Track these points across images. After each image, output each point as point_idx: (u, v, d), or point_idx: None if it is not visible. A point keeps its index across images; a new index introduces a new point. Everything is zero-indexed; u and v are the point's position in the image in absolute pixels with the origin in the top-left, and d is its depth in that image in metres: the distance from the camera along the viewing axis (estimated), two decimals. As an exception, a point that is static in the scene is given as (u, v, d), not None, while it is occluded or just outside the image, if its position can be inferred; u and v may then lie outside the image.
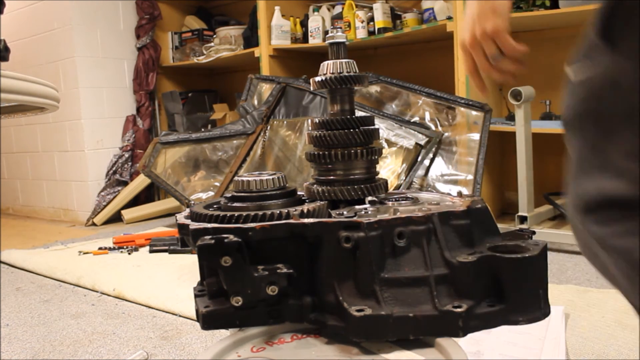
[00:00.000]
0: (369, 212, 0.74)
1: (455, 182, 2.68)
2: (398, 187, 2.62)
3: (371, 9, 3.20)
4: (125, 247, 2.87)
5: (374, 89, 3.04)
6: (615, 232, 0.68)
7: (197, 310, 0.72)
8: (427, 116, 2.87)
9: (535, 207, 2.60)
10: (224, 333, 0.74)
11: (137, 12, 4.09)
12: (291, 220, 0.68)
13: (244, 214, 0.70)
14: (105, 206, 3.84)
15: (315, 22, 3.46)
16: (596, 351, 1.41)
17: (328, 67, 0.82)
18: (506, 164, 3.02)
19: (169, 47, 4.25)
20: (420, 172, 2.70)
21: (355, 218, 0.68)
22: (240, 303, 0.66)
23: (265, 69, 3.51)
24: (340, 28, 0.86)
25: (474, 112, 2.71)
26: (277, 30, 3.48)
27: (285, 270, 0.67)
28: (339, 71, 0.81)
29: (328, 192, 0.80)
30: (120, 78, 4.06)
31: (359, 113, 0.83)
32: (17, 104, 1.08)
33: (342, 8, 3.33)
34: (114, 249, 2.87)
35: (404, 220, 0.67)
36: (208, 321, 0.69)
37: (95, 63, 3.90)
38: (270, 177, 0.78)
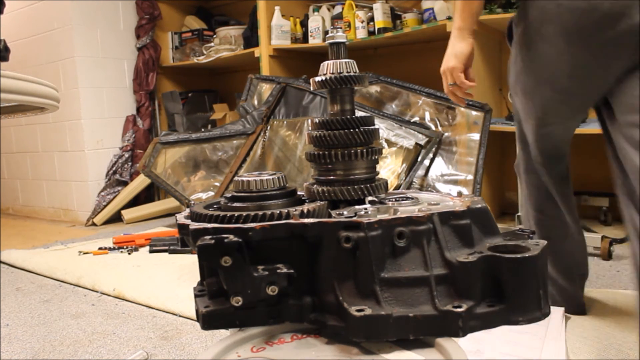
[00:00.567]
0: (369, 212, 0.74)
1: (455, 182, 2.68)
2: (398, 187, 2.62)
3: (371, 9, 3.21)
4: (125, 247, 2.87)
5: (374, 89, 3.04)
6: None
7: (197, 310, 0.72)
8: (427, 116, 2.87)
9: (535, 207, 2.59)
10: (224, 333, 0.74)
11: (137, 12, 4.09)
12: (291, 221, 0.68)
13: (244, 214, 0.70)
14: (105, 206, 3.84)
15: (315, 22, 3.46)
16: (596, 351, 1.41)
17: (328, 67, 0.82)
18: (506, 164, 3.02)
19: (169, 47, 4.25)
20: (420, 172, 2.70)
21: (355, 218, 0.68)
22: (240, 303, 0.66)
23: (265, 69, 3.51)
24: (340, 28, 0.86)
25: (474, 112, 2.71)
26: (277, 30, 3.48)
27: (285, 270, 0.67)
28: (339, 71, 0.81)
29: (328, 192, 0.80)
30: (120, 78, 4.06)
31: (359, 113, 0.83)
32: (17, 104, 1.08)
33: (342, 8, 3.33)
34: (114, 249, 2.87)
35: (404, 220, 0.67)
36: (208, 321, 0.69)
37: (95, 63, 3.90)
38: (271, 177, 0.78)
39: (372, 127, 0.83)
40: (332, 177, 0.82)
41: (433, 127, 2.83)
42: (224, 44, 3.88)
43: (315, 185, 0.82)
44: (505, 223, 2.76)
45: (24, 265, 2.68)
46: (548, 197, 1.53)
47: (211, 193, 3.11)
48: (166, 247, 2.76)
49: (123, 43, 4.06)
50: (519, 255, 0.64)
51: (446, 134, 2.78)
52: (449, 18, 2.82)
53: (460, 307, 0.62)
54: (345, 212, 0.73)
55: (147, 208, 3.94)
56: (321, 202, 0.78)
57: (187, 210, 0.80)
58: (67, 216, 4.08)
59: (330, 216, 0.75)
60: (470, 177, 2.63)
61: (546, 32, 1.28)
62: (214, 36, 4.03)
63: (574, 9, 1.21)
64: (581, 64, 1.27)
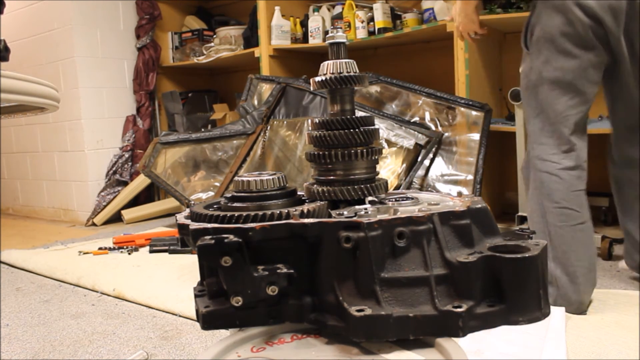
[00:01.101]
0: (369, 212, 0.74)
1: (455, 182, 2.68)
2: (398, 187, 2.62)
3: (371, 9, 3.20)
4: (125, 247, 2.87)
5: (374, 89, 3.04)
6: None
7: (197, 310, 0.72)
8: (427, 116, 2.87)
9: (535, 207, 2.60)
10: (224, 333, 0.74)
11: (137, 12, 4.09)
12: (291, 221, 0.68)
13: (244, 214, 0.70)
14: (105, 206, 3.84)
15: (315, 22, 3.46)
16: (596, 351, 1.41)
17: (328, 67, 0.82)
18: (506, 164, 3.02)
19: (169, 47, 4.25)
20: (420, 172, 2.70)
21: (355, 218, 0.68)
22: (240, 303, 0.66)
23: (265, 69, 3.51)
24: (340, 28, 0.86)
25: (474, 112, 2.71)
26: (277, 30, 3.48)
27: (285, 270, 0.67)
28: (339, 71, 0.81)
29: (328, 192, 0.80)
30: (120, 78, 4.06)
31: (359, 113, 0.83)
32: (17, 104, 1.08)
33: (342, 8, 3.33)
34: (114, 249, 2.87)
35: (404, 220, 0.67)
36: (208, 321, 0.69)
37: (95, 63, 3.90)
38: (271, 177, 0.78)
39: (372, 127, 0.83)
40: (332, 177, 0.82)
41: (433, 127, 2.83)
42: (224, 44, 3.88)
43: (315, 185, 0.82)
44: (505, 223, 2.76)
45: (24, 265, 2.68)
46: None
47: (211, 193, 3.11)
48: (166, 247, 2.76)
49: (123, 43, 4.06)
50: (519, 255, 0.64)
51: (446, 134, 2.78)
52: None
53: (460, 307, 0.62)
54: (345, 212, 0.73)
55: (147, 208, 3.94)
56: (321, 202, 0.78)
57: (187, 210, 0.80)
58: (67, 216, 4.08)
59: (330, 216, 0.75)
60: (470, 177, 2.63)
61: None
62: (214, 36, 4.03)
63: None
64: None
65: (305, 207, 0.73)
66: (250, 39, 3.70)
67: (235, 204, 0.76)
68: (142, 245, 2.89)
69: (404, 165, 2.71)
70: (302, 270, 0.69)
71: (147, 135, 4.11)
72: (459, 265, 0.64)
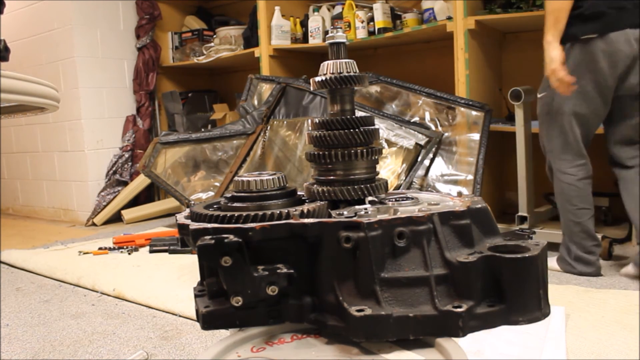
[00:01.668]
0: (369, 212, 0.74)
1: (455, 182, 2.68)
2: (398, 187, 2.62)
3: (371, 9, 3.20)
4: (125, 247, 2.87)
5: (374, 89, 3.04)
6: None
7: (197, 310, 0.72)
8: (427, 116, 2.87)
9: (535, 207, 2.60)
10: (224, 333, 0.74)
11: (137, 12, 4.09)
12: (291, 221, 0.68)
13: (244, 214, 0.70)
14: (105, 206, 3.84)
15: (315, 22, 3.46)
16: (596, 351, 1.41)
17: (328, 67, 0.82)
18: (506, 164, 3.02)
19: (169, 47, 4.25)
20: (420, 172, 2.70)
21: (355, 218, 0.68)
22: (240, 303, 0.66)
23: (265, 69, 3.51)
24: (340, 28, 0.86)
25: (474, 112, 2.71)
26: (277, 30, 3.48)
27: (285, 270, 0.67)
28: (339, 71, 0.81)
29: (328, 192, 0.80)
30: (120, 78, 4.06)
31: (359, 113, 0.83)
32: (17, 104, 1.08)
33: (342, 8, 3.33)
34: (114, 249, 2.87)
35: (404, 220, 0.67)
36: (208, 321, 0.69)
37: (95, 63, 3.90)
38: (271, 177, 0.78)
39: (372, 127, 0.83)
40: (332, 177, 0.82)
41: (433, 127, 2.83)
42: (224, 44, 3.88)
43: (315, 185, 0.82)
44: (505, 223, 2.76)
45: (24, 265, 2.68)
46: None
47: (211, 193, 3.11)
48: (166, 247, 2.76)
49: (123, 43, 4.06)
50: (519, 255, 0.64)
51: (446, 134, 2.78)
52: (449, 18, 2.82)
53: (460, 307, 0.62)
54: (345, 212, 0.73)
55: (147, 208, 3.94)
56: (321, 202, 0.78)
57: (187, 210, 0.80)
58: (67, 216, 4.08)
59: (330, 216, 0.75)
60: (470, 177, 2.63)
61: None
62: (214, 36, 4.03)
63: None
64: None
65: (305, 207, 0.73)
66: (250, 39, 3.70)
67: (235, 204, 0.76)
68: (142, 245, 2.89)
69: (404, 165, 2.71)
70: (302, 270, 0.69)
71: (147, 135, 4.11)
72: (459, 265, 0.64)
